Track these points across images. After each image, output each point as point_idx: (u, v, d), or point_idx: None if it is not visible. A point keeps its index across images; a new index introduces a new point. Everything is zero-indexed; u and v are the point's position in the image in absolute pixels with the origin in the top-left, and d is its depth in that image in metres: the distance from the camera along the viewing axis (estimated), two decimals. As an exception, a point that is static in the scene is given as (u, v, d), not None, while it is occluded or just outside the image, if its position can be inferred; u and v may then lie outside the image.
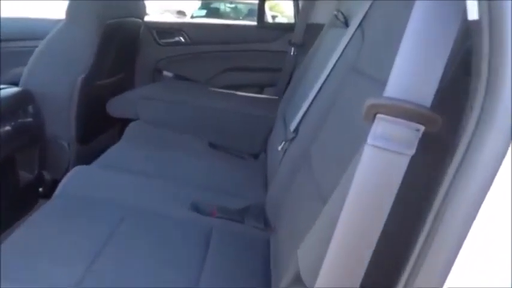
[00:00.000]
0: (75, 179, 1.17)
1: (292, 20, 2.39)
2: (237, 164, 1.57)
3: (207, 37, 2.32)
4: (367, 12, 1.00)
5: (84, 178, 1.19)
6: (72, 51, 1.63)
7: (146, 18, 2.17)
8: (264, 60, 2.31)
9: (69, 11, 1.59)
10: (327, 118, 0.98)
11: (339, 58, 1.03)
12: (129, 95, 1.87)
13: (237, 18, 8.07)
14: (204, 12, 7.75)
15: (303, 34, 2.17)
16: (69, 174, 1.18)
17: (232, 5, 8.33)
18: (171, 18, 6.15)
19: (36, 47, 1.67)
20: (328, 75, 1.04)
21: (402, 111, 0.46)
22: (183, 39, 2.30)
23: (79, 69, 1.65)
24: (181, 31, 2.29)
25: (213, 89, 2.05)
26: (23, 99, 1.53)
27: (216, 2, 8.35)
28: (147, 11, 2.14)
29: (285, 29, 2.30)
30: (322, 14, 2.14)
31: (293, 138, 1.08)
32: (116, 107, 1.85)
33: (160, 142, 1.63)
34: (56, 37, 1.61)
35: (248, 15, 8.17)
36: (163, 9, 7.63)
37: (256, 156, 1.76)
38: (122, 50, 1.96)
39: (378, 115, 0.47)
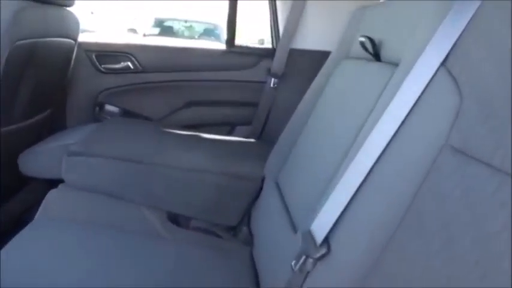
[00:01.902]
0: None
1: (250, 37, 1.97)
2: (212, 250, 1.08)
3: (162, 63, 1.82)
4: (453, 49, 0.56)
5: None
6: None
7: (89, 37, 1.65)
8: (236, 93, 1.86)
9: None
10: (400, 227, 0.54)
11: (402, 122, 0.59)
12: (48, 145, 1.33)
13: (192, 37, 7.66)
14: (157, 30, 7.24)
15: (285, 62, 1.75)
16: None
17: (187, 24, 7.89)
18: (118, 37, 5.60)
19: None
20: (385, 150, 0.59)
21: None
22: (131, 65, 1.79)
23: None
24: (128, 55, 1.79)
25: (171, 130, 1.55)
26: None
27: (169, 20, 7.88)
28: (95, 28, 1.62)
29: (261, 54, 1.86)
30: (309, 37, 1.73)
31: (323, 256, 0.62)
32: (30, 163, 1.31)
33: (96, 219, 1.11)
34: None
35: (204, 34, 7.81)
36: (114, 27, 7.11)
37: (233, 230, 1.28)
38: (46, 81, 1.43)
39: None
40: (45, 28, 1.26)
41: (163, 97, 1.84)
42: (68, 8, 1.46)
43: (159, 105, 1.85)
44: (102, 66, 1.77)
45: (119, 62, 1.78)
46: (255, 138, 1.82)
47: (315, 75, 1.77)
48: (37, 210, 1.16)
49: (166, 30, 7.49)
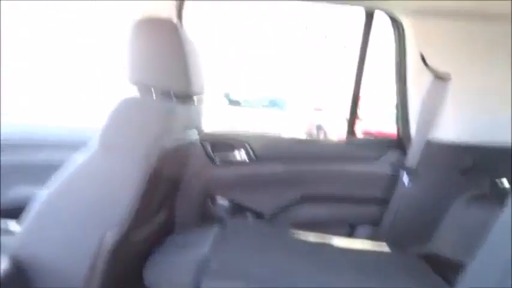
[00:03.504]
0: None
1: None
2: None
3: (277, 153, 1.68)
4: None
5: None
6: (104, 196, 0.98)
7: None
8: (357, 188, 1.65)
9: (108, 134, 0.97)
10: None
11: None
12: (178, 258, 1.16)
13: (257, 108, 7.87)
14: (226, 102, 7.54)
15: (420, 155, 1.54)
16: None
17: (254, 98, 8.12)
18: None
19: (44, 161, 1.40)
20: None
21: None
22: (245, 156, 1.67)
23: (111, 221, 0.99)
24: (244, 145, 1.67)
25: (306, 239, 1.35)
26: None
27: (236, 94, 8.17)
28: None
29: (386, 145, 1.68)
30: (448, 126, 1.51)
31: None
32: (157, 277, 1.14)
33: None
34: (78, 175, 0.97)
35: (268, 105, 7.99)
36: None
37: None
38: (171, 180, 1.32)
39: None
40: (184, 125, 1.17)
41: (276, 191, 1.67)
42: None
43: (272, 200, 1.68)
44: (216, 156, 1.66)
45: (234, 153, 1.66)
46: (381, 241, 1.58)
47: (456, 172, 1.56)
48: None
49: (233, 102, 7.79)
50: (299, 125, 8.02)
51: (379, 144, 1.68)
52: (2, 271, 0.88)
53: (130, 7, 1.52)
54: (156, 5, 1.50)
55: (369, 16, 1.58)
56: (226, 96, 7.92)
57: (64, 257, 0.99)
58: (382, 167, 1.64)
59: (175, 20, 1.50)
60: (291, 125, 7.32)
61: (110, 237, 0.98)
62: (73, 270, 0.98)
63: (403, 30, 1.49)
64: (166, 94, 1.06)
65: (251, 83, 9.51)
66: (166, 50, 1.04)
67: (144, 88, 1.06)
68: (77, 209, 0.98)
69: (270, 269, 1.07)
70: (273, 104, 8.10)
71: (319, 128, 10.46)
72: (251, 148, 1.66)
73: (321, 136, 9.45)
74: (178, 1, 1.50)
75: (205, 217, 1.63)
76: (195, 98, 1.24)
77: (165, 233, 1.39)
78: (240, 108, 7.35)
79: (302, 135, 8.29)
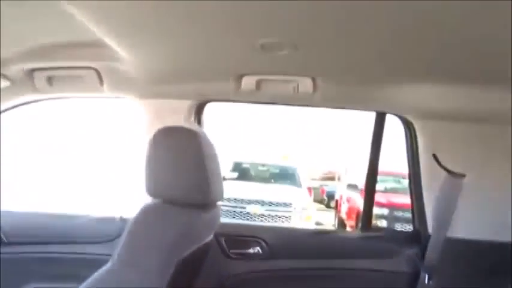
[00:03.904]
0: None
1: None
2: None
3: (292, 248, 1.67)
4: None
5: None
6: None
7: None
8: (377, 286, 1.61)
9: (127, 248, 0.98)
10: None
11: None
12: None
13: (269, 181, 7.78)
14: (235, 174, 7.50)
15: (439, 251, 1.51)
16: None
17: (264, 168, 8.11)
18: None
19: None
20: None
21: None
22: (260, 250, 1.65)
23: None
24: (258, 239, 1.66)
25: None
26: None
27: (247, 164, 8.18)
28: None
29: (403, 240, 1.65)
30: (466, 223, 1.50)
31: None
32: None
33: None
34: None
35: (280, 178, 7.89)
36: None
37: None
38: (186, 282, 1.30)
39: None
40: (203, 231, 1.18)
41: (292, 287, 1.63)
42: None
43: (287, 296, 1.63)
44: (231, 251, 1.65)
45: (249, 247, 1.65)
46: None
47: (477, 270, 1.52)
48: None
49: (243, 173, 7.73)
50: (310, 195, 7.93)
51: (396, 239, 1.66)
52: None
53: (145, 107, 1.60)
54: (172, 105, 1.58)
55: (380, 115, 1.64)
56: (237, 166, 7.90)
57: None
58: (400, 263, 1.60)
59: (193, 121, 1.58)
60: (302, 195, 7.20)
61: None
62: None
63: (414, 130, 1.54)
64: (186, 204, 1.08)
65: (262, 149, 9.60)
66: (186, 162, 1.08)
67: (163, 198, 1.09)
68: None
69: None
70: (285, 177, 7.95)
71: (330, 196, 10.32)
72: (265, 242, 1.65)
73: (332, 204, 9.31)
74: (197, 105, 1.58)
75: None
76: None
77: None
78: (249, 183, 7.32)
79: (313, 203, 8.16)
